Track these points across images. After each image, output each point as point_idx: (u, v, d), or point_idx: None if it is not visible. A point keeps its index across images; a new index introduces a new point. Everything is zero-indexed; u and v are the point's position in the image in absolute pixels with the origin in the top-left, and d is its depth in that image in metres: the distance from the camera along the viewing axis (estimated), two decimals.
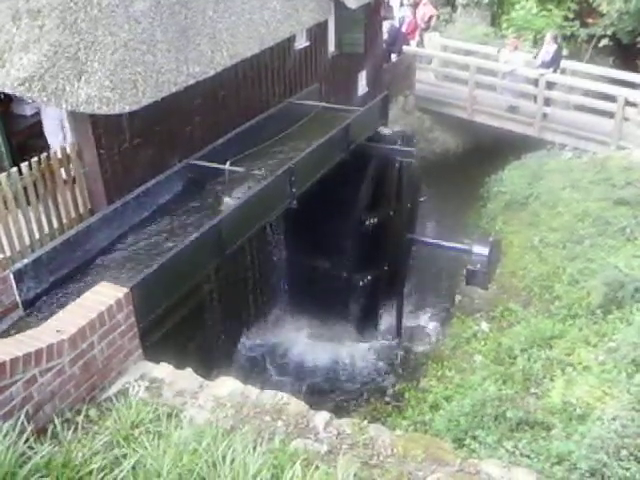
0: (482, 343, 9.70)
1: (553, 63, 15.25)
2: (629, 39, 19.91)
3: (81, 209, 8.49)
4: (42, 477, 3.52)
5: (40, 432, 4.08)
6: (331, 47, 13.25)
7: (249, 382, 4.89)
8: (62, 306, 4.97)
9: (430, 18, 19.40)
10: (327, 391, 10.96)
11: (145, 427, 4.15)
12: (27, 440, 3.80)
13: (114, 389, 4.70)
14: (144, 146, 8.85)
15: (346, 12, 12.75)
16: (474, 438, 6.72)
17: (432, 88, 17.49)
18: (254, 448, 3.83)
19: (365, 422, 4.49)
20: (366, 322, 12.01)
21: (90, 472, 3.67)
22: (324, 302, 11.07)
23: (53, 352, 4.20)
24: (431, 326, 12.51)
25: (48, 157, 7.97)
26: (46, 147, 8.86)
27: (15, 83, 7.58)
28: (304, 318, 11.65)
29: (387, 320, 12.55)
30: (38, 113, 9.30)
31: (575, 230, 11.27)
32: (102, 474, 3.66)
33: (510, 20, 20.56)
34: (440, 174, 14.21)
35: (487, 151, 15.51)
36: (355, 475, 3.79)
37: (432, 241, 12.37)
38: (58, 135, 8.95)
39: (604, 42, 19.84)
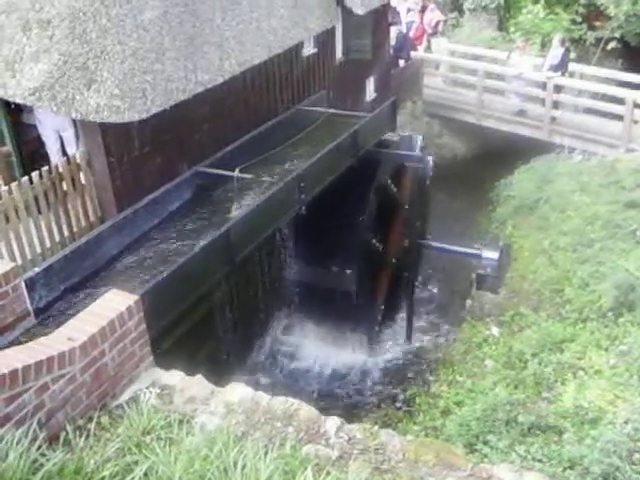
0: (493, 348, 9.68)
1: (561, 66, 15.24)
2: (637, 41, 19.84)
3: (91, 217, 8.53)
4: None
5: (52, 439, 4.10)
6: (339, 53, 13.29)
7: (260, 388, 4.90)
8: (73, 314, 4.99)
9: (437, 23, 19.43)
10: (338, 397, 10.95)
11: (156, 434, 4.16)
12: (39, 447, 3.81)
13: (125, 396, 4.71)
14: (153, 154, 8.89)
15: (353, 18, 12.79)
16: (485, 443, 6.70)
17: (440, 93, 17.51)
18: (265, 454, 3.83)
19: (376, 427, 4.48)
20: (376, 327, 11.99)
21: (102, 479, 3.68)
22: (334, 307, 11.06)
23: (65, 360, 4.22)
24: (442, 331, 12.48)
25: (58, 166, 8.04)
26: None
27: (26, 93, 7.65)
28: (315, 324, 11.64)
29: (398, 325, 12.54)
30: None
31: (585, 233, 11.23)
32: None
33: (517, 24, 20.54)
34: (449, 179, 14.20)
35: (496, 155, 15.50)
36: None
37: (442, 246, 12.35)
38: (55, 145, 9.02)
39: (612, 45, 19.77)
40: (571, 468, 5.87)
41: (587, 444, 6.15)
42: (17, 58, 7.84)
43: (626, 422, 6.22)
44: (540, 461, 6.13)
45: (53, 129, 8.93)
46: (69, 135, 8.89)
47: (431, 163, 11.24)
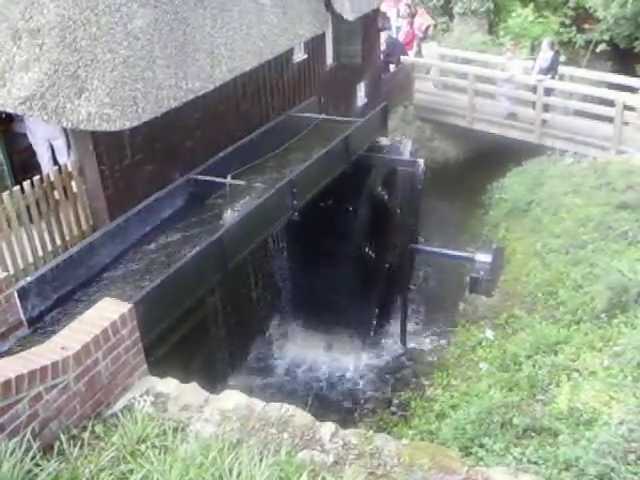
0: (487, 351, 9.68)
1: (551, 69, 15.31)
2: (626, 43, 19.97)
3: (84, 226, 8.52)
4: None
5: (46, 449, 4.08)
6: (329, 59, 13.31)
7: (254, 395, 4.89)
8: (66, 323, 4.97)
9: (427, 28, 19.50)
10: (333, 402, 10.95)
11: (151, 442, 4.15)
12: (33, 457, 3.80)
13: (119, 405, 4.69)
14: (145, 162, 8.89)
15: (343, 24, 12.81)
16: (481, 446, 6.69)
17: (431, 97, 17.55)
18: (260, 460, 3.83)
19: (371, 432, 4.47)
20: (370, 332, 12.00)
21: None
22: (328, 312, 11.07)
23: (58, 369, 4.20)
24: (436, 335, 12.49)
25: (50, 175, 8.02)
26: None
27: (16, 102, 7.64)
28: (308, 329, 11.65)
29: (392, 330, 12.55)
30: None
31: (577, 235, 11.26)
32: None
33: (507, 28, 20.64)
34: (441, 183, 14.24)
35: (488, 158, 15.54)
36: None
37: (435, 250, 12.37)
38: (46, 154, 9.01)
39: (601, 47, 19.89)
40: (566, 470, 5.86)
41: (582, 445, 6.14)
42: (7, 67, 7.83)
43: (621, 423, 6.22)
44: (536, 463, 6.12)
45: (44, 138, 8.91)
46: (60, 144, 8.88)
47: (422, 167, 11.26)
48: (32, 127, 8.84)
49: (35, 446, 3.89)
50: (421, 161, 11.25)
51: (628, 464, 5.51)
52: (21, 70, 7.76)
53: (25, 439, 3.87)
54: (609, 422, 6.42)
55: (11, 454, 3.65)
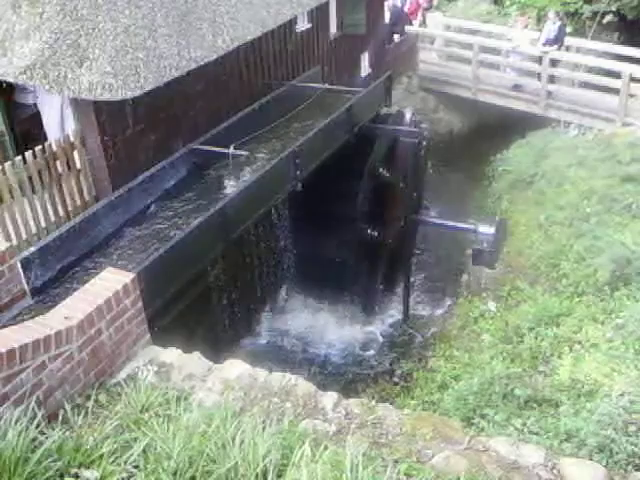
0: (490, 322, 9.71)
1: (557, 40, 15.15)
2: (634, 15, 19.69)
3: (86, 196, 8.50)
4: (54, 462, 3.54)
5: (51, 417, 4.12)
6: (333, 29, 13.18)
7: (257, 364, 4.91)
8: (70, 293, 4.98)
9: None
10: (335, 372, 11.01)
11: (154, 411, 4.18)
12: (38, 425, 3.83)
13: (123, 374, 4.73)
14: (148, 132, 8.84)
15: None
16: (483, 417, 6.73)
17: (436, 68, 17.42)
18: (263, 429, 3.85)
19: (373, 402, 4.50)
20: (373, 303, 12.03)
21: (101, 456, 3.70)
22: (331, 284, 11.08)
23: (62, 338, 4.22)
24: (438, 306, 12.52)
25: (52, 145, 7.98)
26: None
27: (17, 72, 7.57)
28: (311, 301, 11.68)
29: (394, 301, 12.57)
30: None
31: (581, 208, 11.23)
32: (113, 458, 3.68)
33: None
34: (445, 154, 14.18)
35: (492, 130, 15.46)
36: (364, 454, 3.80)
37: (438, 221, 12.34)
38: (57, 125, 8.92)
39: (608, 18, 19.61)
40: (567, 440, 5.90)
41: (583, 417, 6.17)
42: (7, 36, 7.75)
43: (622, 395, 6.24)
44: (537, 434, 6.16)
45: (57, 109, 8.80)
46: (70, 112, 8.77)
47: (426, 134, 11.22)
48: (42, 98, 8.74)
49: (40, 414, 3.92)
50: (425, 130, 11.20)
51: (629, 435, 5.53)
52: (21, 39, 7.69)
53: (30, 407, 3.90)
54: (610, 394, 6.44)
55: (16, 422, 3.68)
